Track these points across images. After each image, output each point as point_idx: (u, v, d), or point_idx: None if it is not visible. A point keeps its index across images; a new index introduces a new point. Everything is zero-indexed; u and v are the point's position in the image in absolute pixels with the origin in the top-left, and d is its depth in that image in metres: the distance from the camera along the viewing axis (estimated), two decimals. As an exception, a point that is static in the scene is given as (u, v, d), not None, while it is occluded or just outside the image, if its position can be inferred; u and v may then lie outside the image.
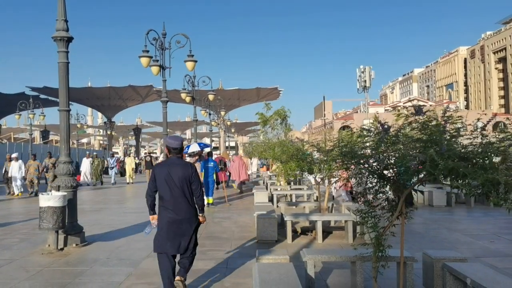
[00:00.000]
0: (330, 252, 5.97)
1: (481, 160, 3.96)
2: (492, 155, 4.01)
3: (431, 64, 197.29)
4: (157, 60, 17.68)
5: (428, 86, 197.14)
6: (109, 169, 27.74)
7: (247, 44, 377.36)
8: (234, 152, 69.56)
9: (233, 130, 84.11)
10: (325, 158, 8.54)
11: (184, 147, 6.60)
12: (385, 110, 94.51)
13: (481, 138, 4.12)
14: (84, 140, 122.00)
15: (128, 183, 26.00)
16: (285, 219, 8.91)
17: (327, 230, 9.36)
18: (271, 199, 14.12)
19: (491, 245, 8.19)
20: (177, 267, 5.26)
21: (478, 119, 4.85)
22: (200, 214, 5.32)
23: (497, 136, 4.21)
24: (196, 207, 5.28)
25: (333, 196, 14.33)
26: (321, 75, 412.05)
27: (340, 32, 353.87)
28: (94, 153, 27.38)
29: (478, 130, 4.28)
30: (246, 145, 49.40)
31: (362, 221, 4.56)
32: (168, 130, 17.48)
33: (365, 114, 56.51)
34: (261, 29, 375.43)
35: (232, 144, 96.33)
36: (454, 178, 3.90)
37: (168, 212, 5.12)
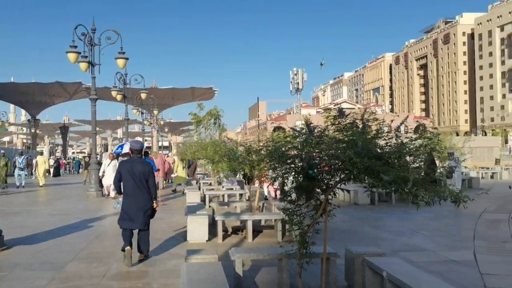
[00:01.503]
0: (258, 251, 6.08)
1: (395, 160, 4.25)
2: (405, 154, 4.32)
3: (360, 69, 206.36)
4: (86, 56, 16.97)
5: (357, 90, 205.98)
6: (16, 169, 23.44)
7: (182, 42, 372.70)
8: (167, 152, 68.40)
9: (166, 130, 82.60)
10: (256, 158, 8.72)
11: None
12: (317, 112, 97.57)
13: (396, 139, 4.42)
14: (6, 139, 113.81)
15: (41, 186, 23.31)
16: (216, 219, 8.94)
17: (258, 229, 9.50)
18: (203, 199, 14.07)
19: (408, 241, 8.76)
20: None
21: (392, 121, 5.20)
22: (155, 201, 6.90)
23: (411, 137, 4.53)
24: (151, 196, 6.83)
25: (265, 196, 14.58)
26: (256, 76, 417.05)
27: (275, 33, 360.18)
28: (1, 151, 23.22)
29: (393, 131, 4.58)
30: (179, 145, 48.80)
31: (288, 219, 4.72)
32: (97, 129, 16.86)
33: (297, 115, 58.00)
34: (198, 28, 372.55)
35: (166, 144, 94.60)
36: (369, 176, 4.15)
37: (130, 198, 6.73)
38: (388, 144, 4.21)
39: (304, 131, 4.61)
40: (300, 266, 4.67)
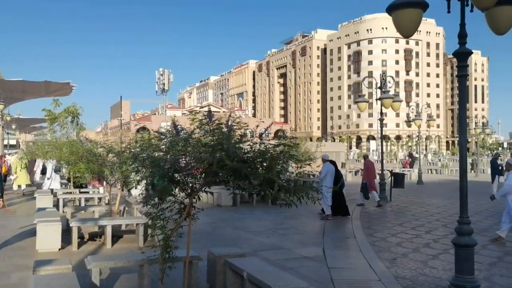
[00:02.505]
0: (117, 258, 5.82)
1: (258, 164, 4.45)
2: (268, 159, 4.55)
3: (226, 73, 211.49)
4: None
5: (222, 94, 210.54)
6: None
7: (33, 31, 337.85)
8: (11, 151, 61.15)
9: (14, 127, 73.91)
10: (118, 160, 8.33)
11: None
12: (183, 113, 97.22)
13: (260, 144, 4.63)
14: None
15: None
16: (70, 225, 8.30)
17: (118, 235, 9.09)
18: (56, 204, 12.96)
19: (267, 240, 9.24)
20: None
21: (257, 126, 5.45)
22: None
23: (274, 143, 4.79)
24: None
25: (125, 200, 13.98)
26: (119, 74, 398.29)
27: (141, 32, 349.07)
28: None
29: (257, 136, 4.79)
30: (30, 144, 44.11)
31: (151, 223, 4.61)
32: None
33: (163, 116, 56.95)
34: (53, 16, 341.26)
35: (13, 142, 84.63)
36: (237, 179, 4.28)
37: None
38: (253, 149, 4.40)
39: (171, 133, 4.55)
40: (163, 271, 4.60)
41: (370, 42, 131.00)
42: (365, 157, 16.29)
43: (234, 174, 4.19)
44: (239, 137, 4.65)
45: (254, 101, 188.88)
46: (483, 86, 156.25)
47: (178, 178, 4.52)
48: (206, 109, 5.32)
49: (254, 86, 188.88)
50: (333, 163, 12.82)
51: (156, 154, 4.56)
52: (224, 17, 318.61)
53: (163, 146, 4.58)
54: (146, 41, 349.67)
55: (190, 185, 4.60)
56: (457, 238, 5.46)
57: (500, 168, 19.47)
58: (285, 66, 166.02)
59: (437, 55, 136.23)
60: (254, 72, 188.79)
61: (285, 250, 8.23)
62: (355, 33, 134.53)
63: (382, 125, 16.69)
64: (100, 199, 13.97)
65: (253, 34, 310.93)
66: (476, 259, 6.27)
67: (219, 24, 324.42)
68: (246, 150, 4.48)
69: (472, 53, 5.50)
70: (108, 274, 6.27)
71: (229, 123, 4.50)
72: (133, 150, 4.55)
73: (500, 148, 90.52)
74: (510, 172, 9.39)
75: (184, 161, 4.48)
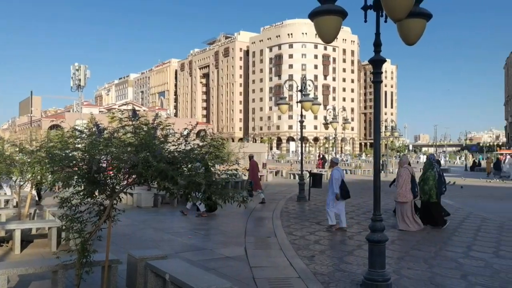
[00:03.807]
0: (28, 263, 5.42)
1: (184, 165, 4.40)
2: (194, 160, 4.51)
3: (146, 71, 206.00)
4: None
5: (142, 92, 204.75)
6: None
7: None
8: None
9: None
10: (29, 160, 7.76)
11: None
12: (100, 111, 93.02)
13: (185, 145, 4.58)
14: None
15: None
16: (-28, 230, 7.60)
17: (29, 239, 8.48)
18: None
19: (189, 241, 9.15)
20: None
21: (185, 129, 5.37)
22: None
23: (199, 143, 4.76)
24: None
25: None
26: (30, 67, 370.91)
27: (54, 22, 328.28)
28: None
29: (182, 137, 4.73)
30: None
31: (68, 226, 4.36)
32: None
33: (78, 114, 54.03)
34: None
35: None
36: (163, 180, 4.19)
37: None
38: (178, 150, 4.33)
39: (90, 131, 4.34)
40: (79, 276, 4.38)
41: (290, 46, 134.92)
42: (250, 157, 17.30)
43: (160, 175, 4.10)
44: (164, 137, 4.57)
45: (176, 100, 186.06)
46: (392, 93, 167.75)
47: (99, 179, 4.33)
48: (125, 107, 5.16)
49: (176, 85, 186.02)
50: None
51: (74, 154, 4.33)
52: (145, 15, 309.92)
53: (81, 145, 4.36)
54: (60, 33, 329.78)
55: (111, 186, 4.43)
56: (370, 234, 5.81)
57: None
58: (208, 66, 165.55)
59: (352, 62, 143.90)
60: (176, 71, 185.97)
61: (207, 251, 8.20)
62: (277, 36, 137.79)
63: (302, 127, 17.25)
64: (7, 201, 12.93)
65: (176, 33, 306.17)
66: (387, 254, 6.72)
67: (140, 20, 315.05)
68: (170, 150, 4.41)
69: (386, 60, 5.89)
70: (17, 282, 5.82)
71: (155, 122, 4.40)
72: (50, 150, 4.25)
73: (406, 150, 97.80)
74: (334, 168, 10.60)
75: (105, 162, 4.30)
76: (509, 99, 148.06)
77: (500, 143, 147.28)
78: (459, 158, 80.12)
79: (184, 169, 4.41)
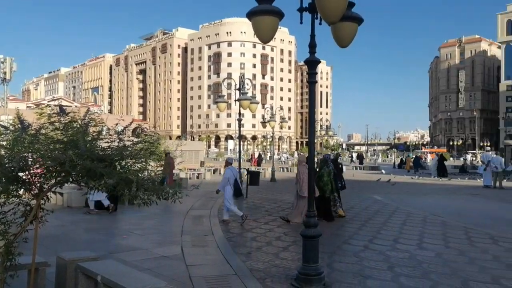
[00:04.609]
0: None
1: (116, 162, 4.27)
2: (127, 157, 4.40)
3: (79, 66, 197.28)
4: None
5: (74, 87, 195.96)
6: None
7: None
8: None
9: None
10: None
11: None
12: (28, 106, 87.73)
13: (118, 142, 4.45)
14: None
15: None
16: None
17: None
18: None
19: (123, 241, 8.90)
20: None
21: (117, 124, 5.22)
22: None
23: (133, 140, 4.65)
24: None
25: None
26: None
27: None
28: None
29: (116, 134, 4.60)
30: None
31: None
32: None
33: (3, 109, 50.66)
34: None
35: None
36: (92, 178, 4.04)
37: None
38: (110, 147, 4.21)
39: (15, 128, 4.10)
40: (3, 281, 4.12)
41: (229, 44, 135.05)
42: (167, 154, 17.86)
43: (88, 173, 3.95)
44: (96, 134, 4.42)
45: (110, 96, 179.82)
46: (327, 93, 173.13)
47: (24, 178, 4.10)
48: (55, 102, 4.93)
49: (111, 81, 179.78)
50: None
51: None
52: (79, 7, 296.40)
53: (4, 142, 4.11)
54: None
55: (38, 185, 4.21)
56: (304, 230, 5.99)
57: (340, 166, 21.83)
58: (145, 62, 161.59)
59: (290, 62, 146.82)
60: (111, 66, 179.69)
61: (142, 251, 8.03)
62: (216, 34, 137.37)
63: (240, 125, 17.37)
64: None
65: (111, 27, 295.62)
66: (320, 249, 6.96)
67: (73, 12, 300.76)
68: (102, 148, 4.27)
69: (320, 62, 6.09)
70: None
71: (86, 119, 4.24)
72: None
73: (340, 149, 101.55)
74: (227, 168, 11.27)
75: (31, 159, 4.08)
76: (433, 101, 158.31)
77: (425, 142, 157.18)
78: (390, 156, 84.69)
79: (117, 166, 4.30)
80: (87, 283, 5.02)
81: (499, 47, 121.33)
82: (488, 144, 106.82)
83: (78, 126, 4.22)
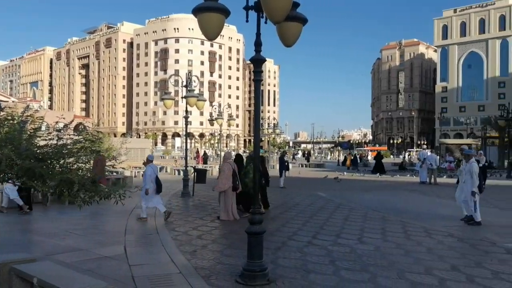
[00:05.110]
0: None
1: (55, 161, 4.10)
2: (66, 156, 4.24)
3: (17, 59, 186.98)
4: None
5: (11, 81, 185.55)
6: None
7: None
8: None
9: None
10: None
11: None
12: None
13: (57, 140, 4.28)
14: None
15: None
16: None
17: None
18: None
19: (62, 242, 8.56)
20: None
21: (57, 122, 5.01)
22: None
23: (72, 138, 4.48)
24: None
25: None
26: None
27: None
28: None
29: (55, 132, 4.41)
30: None
31: None
32: None
33: None
34: None
35: None
36: (30, 179, 3.86)
37: None
38: (49, 145, 4.03)
39: None
40: None
41: (177, 41, 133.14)
42: (96, 153, 17.41)
43: (26, 174, 3.76)
44: (33, 131, 4.23)
45: (51, 91, 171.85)
46: (274, 92, 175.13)
47: None
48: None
49: (51, 76, 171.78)
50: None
51: None
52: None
53: None
54: None
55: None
56: (249, 227, 6.04)
57: (286, 163, 22.26)
58: (88, 56, 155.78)
59: (238, 60, 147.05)
60: (51, 60, 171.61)
61: (82, 252, 7.76)
62: (163, 30, 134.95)
63: (187, 122, 17.18)
64: None
65: (52, 20, 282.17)
66: (265, 245, 7.05)
67: (11, 2, 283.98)
68: (39, 146, 4.09)
69: (265, 60, 6.15)
70: None
71: (23, 115, 4.04)
72: None
73: (287, 147, 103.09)
74: (148, 165, 11.43)
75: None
76: (375, 101, 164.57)
77: (367, 141, 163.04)
78: (333, 153, 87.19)
79: (56, 165, 4.13)
80: (22, 286, 4.79)
81: (435, 51, 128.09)
82: (425, 142, 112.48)
83: (15, 123, 4.02)
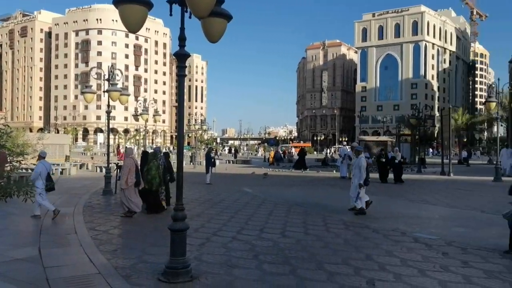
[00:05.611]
0: None
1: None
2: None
3: None
4: None
5: None
6: None
7: None
8: None
9: None
10: None
11: None
12: None
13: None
14: None
15: None
16: None
17: None
18: None
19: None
20: None
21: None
22: None
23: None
24: None
25: None
26: None
27: None
28: None
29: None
30: None
31: None
32: None
33: None
34: None
35: None
36: None
37: None
38: None
39: None
40: None
41: (100, 32, 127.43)
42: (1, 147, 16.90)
43: None
44: None
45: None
46: (202, 87, 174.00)
47: None
48: None
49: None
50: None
51: None
52: None
53: None
54: None
55: None
56: (172, 224, 5.98)
57: (213, 160, 22.25)
58: (1, 45, 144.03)
59: (164, 54, 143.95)
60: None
61: (-9, 255, 7.22)
62: (84, 20, 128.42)
63: (109, 117, 16.55)
64: None
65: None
66: (189, 242, 7.02)
67: None
68: None
69: (190, 55, 6.10)
70: None
71: None
72: None
73: (214, 143, 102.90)
74: (40, 161, 10.98)
75: None
76: (300, 99, 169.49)
77: (293, 137, 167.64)
78: (258, 150, 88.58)
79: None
80: None
81: (356, 52, 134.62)
82: (346, 139, 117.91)
83: None
